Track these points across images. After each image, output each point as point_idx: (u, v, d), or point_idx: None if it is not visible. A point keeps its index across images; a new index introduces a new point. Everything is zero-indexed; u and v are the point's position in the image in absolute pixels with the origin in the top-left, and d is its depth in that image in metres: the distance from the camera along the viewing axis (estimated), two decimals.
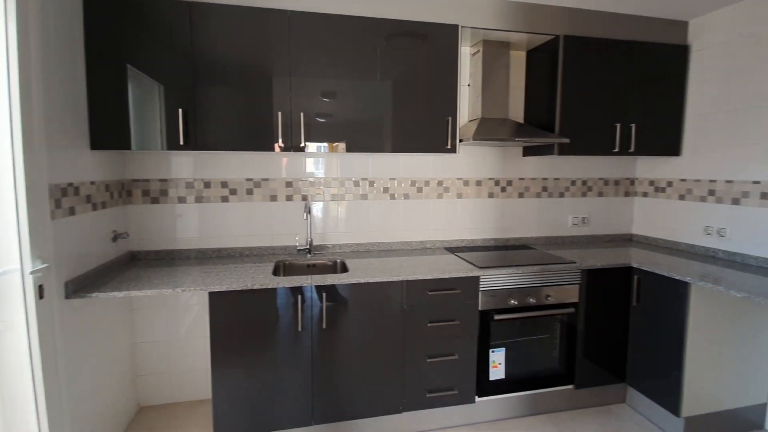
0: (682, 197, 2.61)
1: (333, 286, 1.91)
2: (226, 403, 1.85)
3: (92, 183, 1.86)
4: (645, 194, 2.89)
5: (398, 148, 2.23)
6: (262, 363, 1.87)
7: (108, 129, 1.87)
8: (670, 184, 2.69)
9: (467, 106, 2.63)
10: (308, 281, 1.88)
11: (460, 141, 2.31)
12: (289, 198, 2.43)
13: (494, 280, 2.10)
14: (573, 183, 2.87)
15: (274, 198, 2.41)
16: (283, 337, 1.88)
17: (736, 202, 2.28)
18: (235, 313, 1.83)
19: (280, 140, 2.05)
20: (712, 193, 2.42)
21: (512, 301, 2.13)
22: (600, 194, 2.92)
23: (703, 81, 2.46)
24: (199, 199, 2.32)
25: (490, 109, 2.50)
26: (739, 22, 2.26)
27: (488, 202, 2.73)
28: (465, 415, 2.16)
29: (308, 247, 2.40)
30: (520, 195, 2.79)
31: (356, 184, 2.52)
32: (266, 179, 2.39)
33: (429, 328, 2.03)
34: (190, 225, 2.33)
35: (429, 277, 1.99)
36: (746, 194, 2.23)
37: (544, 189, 2.82)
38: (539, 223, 2.83)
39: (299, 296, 1.87)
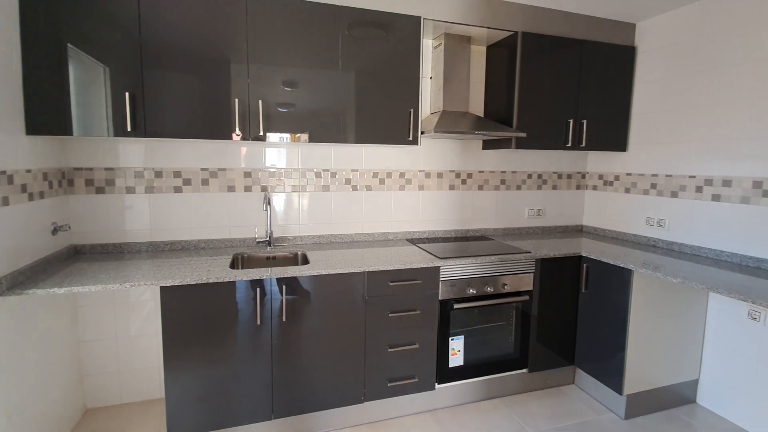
0: (627, 190, 2.78)
1: (293, 278, 1.89)
2: (180, 401, 1.78)
3: (28, 171, 1.72)
4: (595, 187, 3.06)
5: (361, 139, 2.22)
6: (218, 359, 1.82)
7: (46, 113, 1.73)
8: (617, 178, 2.86)
9: (429, 98, 2.66)
10: (267, 274, 1.84)
11: (422, 133, 2.33)
12: (248, 189, 2.36)
13: (454, 270, 2.15)
14: (529, 176, 2.98)
15: (232, 189, 2.33)
16: (242, 331, 1.84)
17: (674, 195, 2.46)
18: (189, 309, 1.76)
19: (237, 129, 1.97)
20: (654, 186, 2.59)
21: (471, 290, 2.19)
22: (554, 187, 3.05)
23: (648, 81, 2.62)
24: (150, 189, 2.20)
25: (451, 103, 2.53)
26: (680, 28, 2.42)
27: (449, 194, 2.79)
28: (425, 402, 2.22)
29: (268, 239, 2.34)
30: (480, 187, 2.86)
31: (318, 175, 2.49)
32: (223, 169, 2.31)
33: (390, 318, 2.05)
34: (141, 216, 2.21)
35: (390, 268, 2.00)
36: (683, 188, 2.41)
37: (503, 182, 2.91)
38: (497, 215, 2.92)
39: (258, 289, 1.83)
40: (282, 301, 1.87)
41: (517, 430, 2.09)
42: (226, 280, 1.77)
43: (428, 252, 2.28)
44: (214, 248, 2.30)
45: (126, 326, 2.22)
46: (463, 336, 2.21)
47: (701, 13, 2.30)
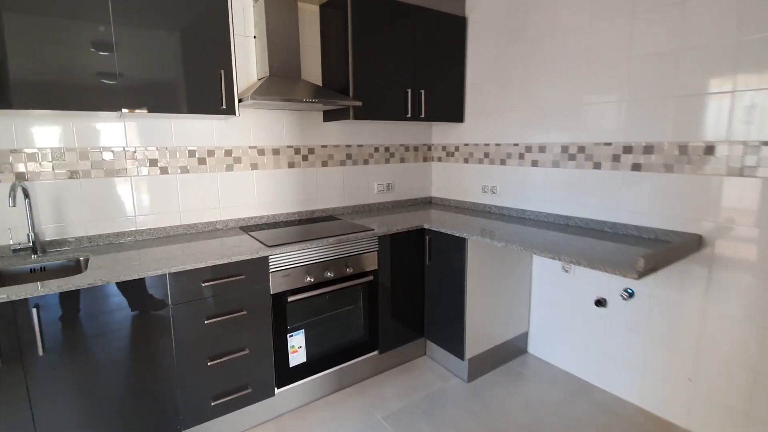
0: (466, 160, 2.86)
1: (65, 293, 1.39)
2: None
3: None
4: (440, 159, 3.10)
5: (158, 108, 1.76)
6: None
7: None
8: (457, 148, 2.92)
9: (255, 62, 2.28)
10: (15, 294, 1.31)
11: (240, 101, 1.96)
12: None
13: (286, 258, 1.89)
14: (376, 150, 2.85)
15: None
16: None
17: (503, 162, 2.59)
18: None
19: None
20: (486, 155, 2.69)
21: (309, 279, 1.96)
22: (402, 160, 3.00)
23: (478, 53, 2.67)
24: None
25: (278, 67, 2.20)
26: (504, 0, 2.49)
27: (289, 173, 2.49)
28: (266, 411, 1.95)
29: (31, 245, 1.74)
30: (324, 164, 2.63)
31: (104, 156, 1.93)
32: None
33: (207, 326, 1.70)
34: None
35: (201, 265, 1.64)
36: (509, 155, 2.54)
37: (349, 156, 2.73)
38: (345, 193, 2.75)
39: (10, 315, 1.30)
40: (36, 329, 1.37)
41: (366, 417, 1.98)
42: None
43: (258, 240, 1.97)
44: None
45: None
46: (303, 330, 1.99)
47: None
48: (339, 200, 2.72)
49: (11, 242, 1.73)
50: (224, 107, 1.89)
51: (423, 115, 2.59)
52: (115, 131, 1.94)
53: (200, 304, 1.67)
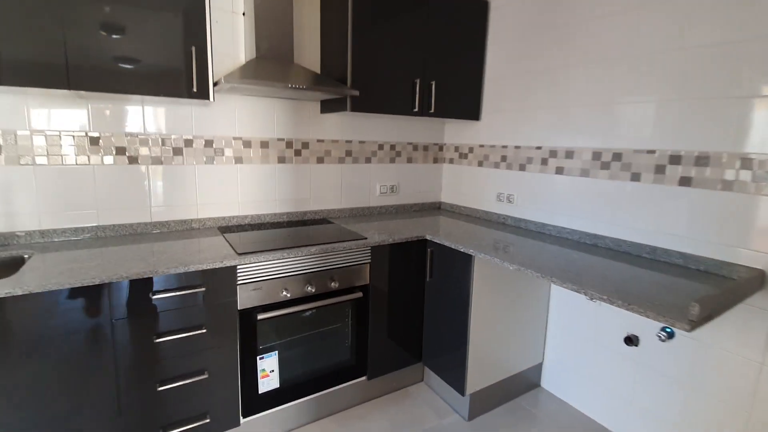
0: (480, 164, 2.53)
1: None
2: None
3: None
4: (452, 161, 2.78)
5: (121, 88, 1.51)
6: None
7: None
8: (471, 150, 2.60)
9: (243, 43, 2.02)
10: None
11: (215, 84, 1.71)
12: None
13: (259, 269, 1.62)
14: (380, 147, 2.56)
15: None
16: None
17: (522, 168, 2.25)
18: None
19: None
20: (504, 159, 2.36)
21: (285, 293, 1.69)
22: (409, 160, 2.70)
23: (498, 41, 2.34)
24: None
25: (267, 49, 1.94)
26: None
27: (279, 169, 2.23)
28: None
29: None
30: (320, 160, 2.35)
31: (72, 141, 1.71)
32: None
33: (158, 345, 1.45)
34: None
35: (150, 274, 1.39)
36: (530, 160, 2.20)
37: (348, 153, 2.45)
38: (343, 193, 2.47)
39: None
40: None
41: None
42: None
43: (230, 245, 1.71)
44: None
45: None
46: (276, 352, 1.72)
47: None
48: (335, 201, 2.44)
49: None
50: (195, 90, 1.63)
51: (432, 110, 2.28)
52: (78, 114, 1.71)
53: (148, 320, 1.43)
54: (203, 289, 1.50)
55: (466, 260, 1.84)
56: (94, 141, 1.76)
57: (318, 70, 2.24)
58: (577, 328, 2.03)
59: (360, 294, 1.88)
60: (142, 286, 1.39)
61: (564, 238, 2.02)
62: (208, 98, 1.66)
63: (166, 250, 1.62)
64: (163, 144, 1.90)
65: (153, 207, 1.91)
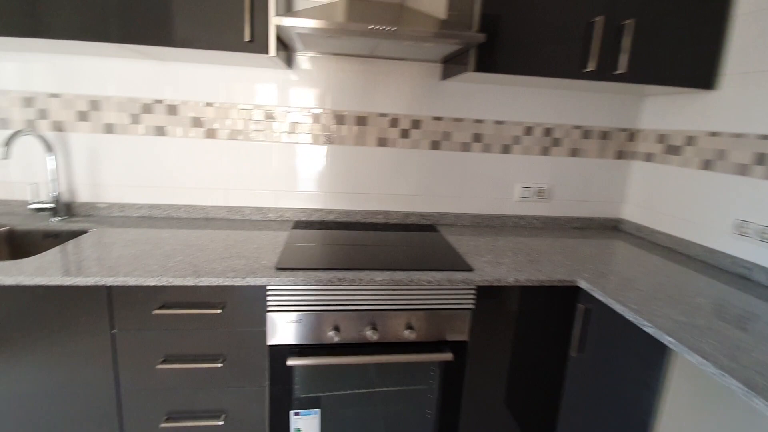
0: (707, 165, 1.47)
1: None
2: None
3: None
4: (650, 157, 1.75)
5: (178, 41, 1.22)
6: None
7: None
8: (691, 140, 1.54)
9: None
10: None
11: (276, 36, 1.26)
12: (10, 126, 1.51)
13: (298, 292, 1.14)
14: (528, 131, 1.76)
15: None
16: None
17: None
18: None
19: None
20: (762, 158, 1.27)
21: (332, 334, 1.17)
22: (574, 153, 1.80)
23: None
24: None
25: None
26: None
27: (378, 153, 1.70)
28: None
29: (54, 205, 1.50)
30: (435, 145, 1.72)
31: (148, 109, 1.55)
32: None
33: (160, 371, 1.12)
34: None
35: (155, 283, 1.05)
36: None
37: (477, 138, 1.74)
38: (464, 193, 1.78)
39: None
40: None
41: None
42: None
43: (280, 252, 1.28)
44: None
45: None
46: (319, 411, 1.23)
47: None
48: (453, 203, 1.78)
49: (30, 200, 1.53)
50: (249, 39, 1.21)
51: (624, 71, 1.37)
52: (160, 77, 1.53)
53: (154, 337, 1.11)
54: (218, 310, 1.10)
55: (654, 346, 0.96)
56: (171, 110, 1.56)
57: (443, 16, 1.59)
58: None
59: (450, 356, 1.21)
60: (144, 296, 1.08)
61: None
62: (266, 52, 1.23)
63: (206, 246, 1.29)
64: (246, 117, 1.59)
65: (228, 189, 1.64)
